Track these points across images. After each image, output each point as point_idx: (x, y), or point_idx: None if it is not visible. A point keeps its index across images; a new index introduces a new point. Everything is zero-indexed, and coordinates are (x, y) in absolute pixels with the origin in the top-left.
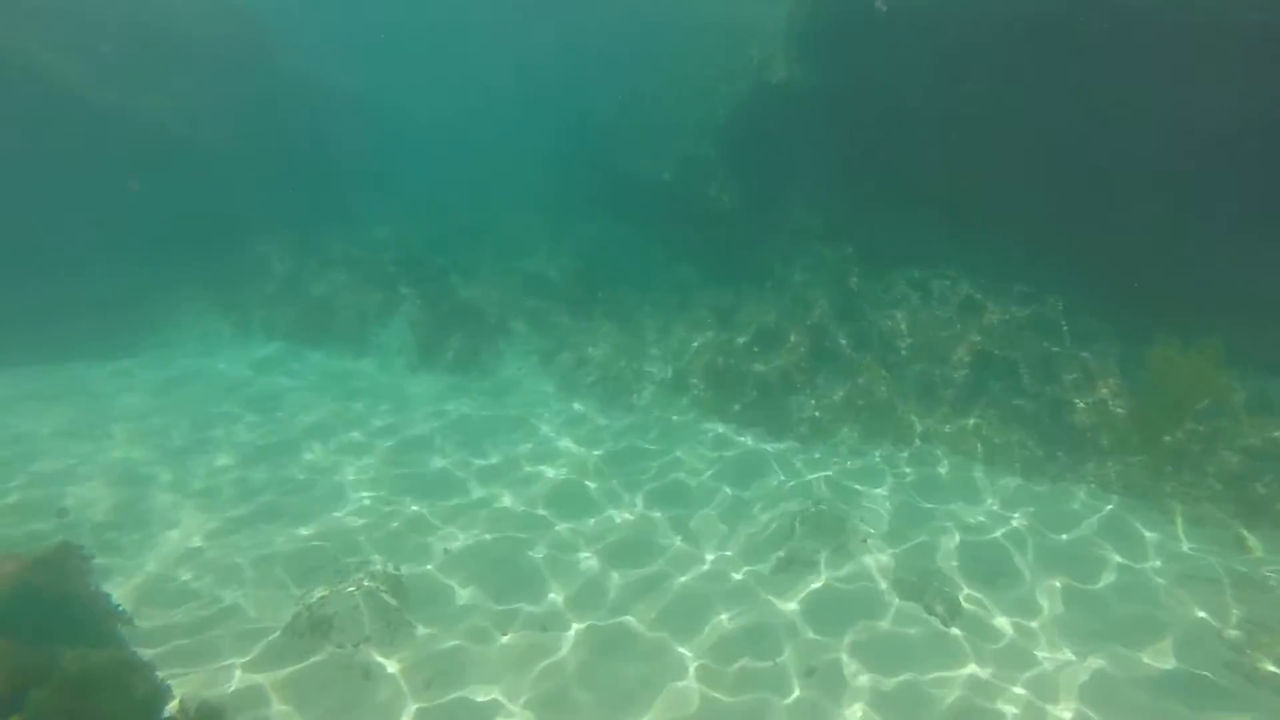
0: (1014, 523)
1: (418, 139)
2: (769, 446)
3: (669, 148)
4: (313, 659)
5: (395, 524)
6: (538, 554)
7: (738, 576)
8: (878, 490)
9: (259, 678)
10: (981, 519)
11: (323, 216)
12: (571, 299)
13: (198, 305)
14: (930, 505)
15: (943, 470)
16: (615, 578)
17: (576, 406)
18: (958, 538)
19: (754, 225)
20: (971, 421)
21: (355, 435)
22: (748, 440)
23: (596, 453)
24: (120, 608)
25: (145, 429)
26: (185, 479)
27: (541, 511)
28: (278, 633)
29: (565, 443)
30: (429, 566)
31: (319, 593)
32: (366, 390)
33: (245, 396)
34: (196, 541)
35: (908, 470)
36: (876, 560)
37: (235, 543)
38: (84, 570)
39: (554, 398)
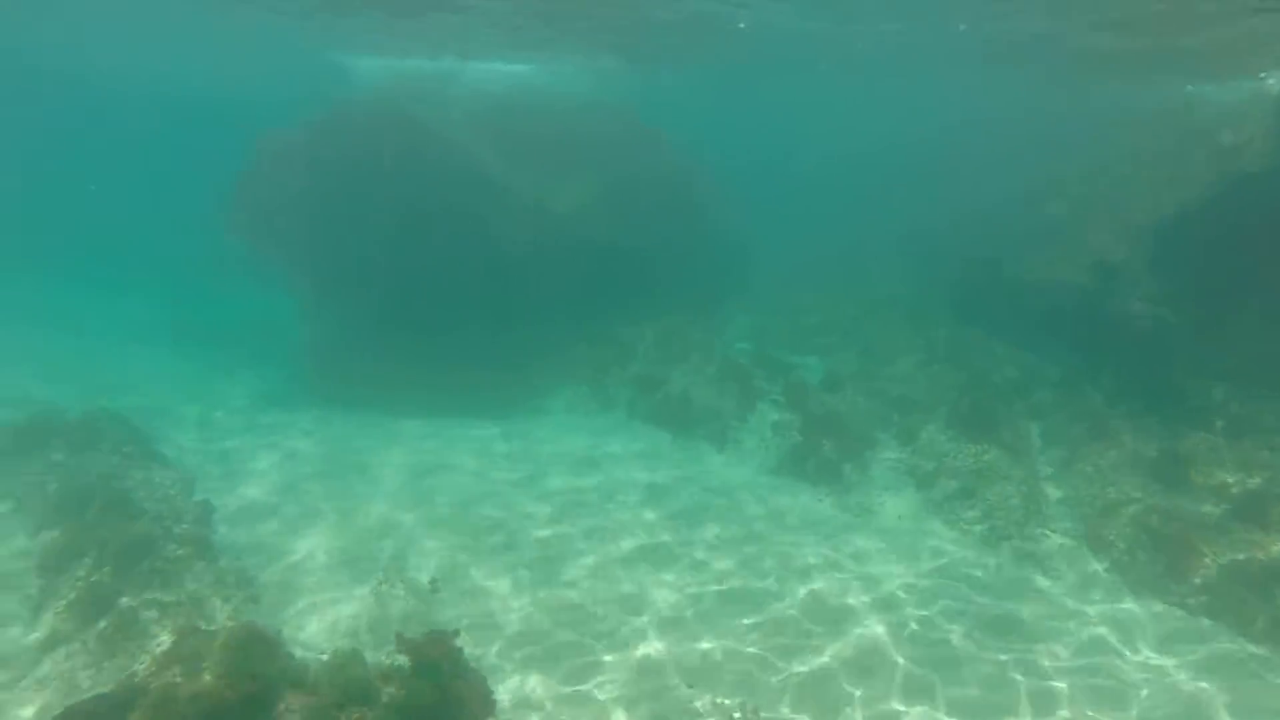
0: None
1: (777, 230)
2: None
3: (1073, 248)
4: None
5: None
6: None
7: None
8: None
9: None
10: None
11: (687, 302)
12: (948, 415)
13: (572, 380)
14: None
15: None
16: None
17: (949, 544)
18: None
19: (1191, 346)
20: None
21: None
22: (1209, 645)
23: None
24: None
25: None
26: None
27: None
28: None
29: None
30: None
31: None
32: (719, 488)
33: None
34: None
35: None
36: None
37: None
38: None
39: (931, 531)
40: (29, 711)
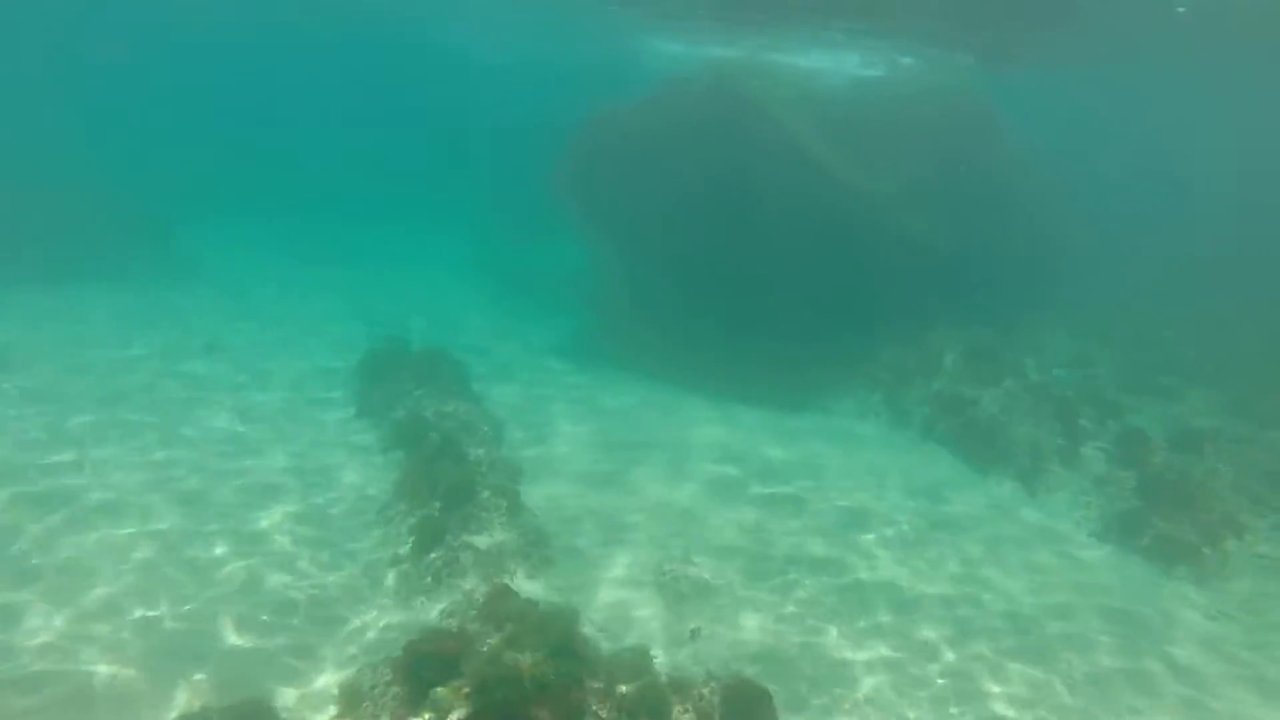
0: None
1: (1114, 242)
2: None
3: None
4: None
5: None
6: None
7: None
8: None
9: None
10: None
11: (992, 311)
12: None
13: (865, 383)
14: None
15: None
16: None
17: None
18: None
19: None
20: None
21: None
22: None
23: None
24: None
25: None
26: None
27: None
28: None
29: None
30: None
31: None
32: (1033, 537)
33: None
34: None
35: None
36: None
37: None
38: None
39: None
40: (372, 615)
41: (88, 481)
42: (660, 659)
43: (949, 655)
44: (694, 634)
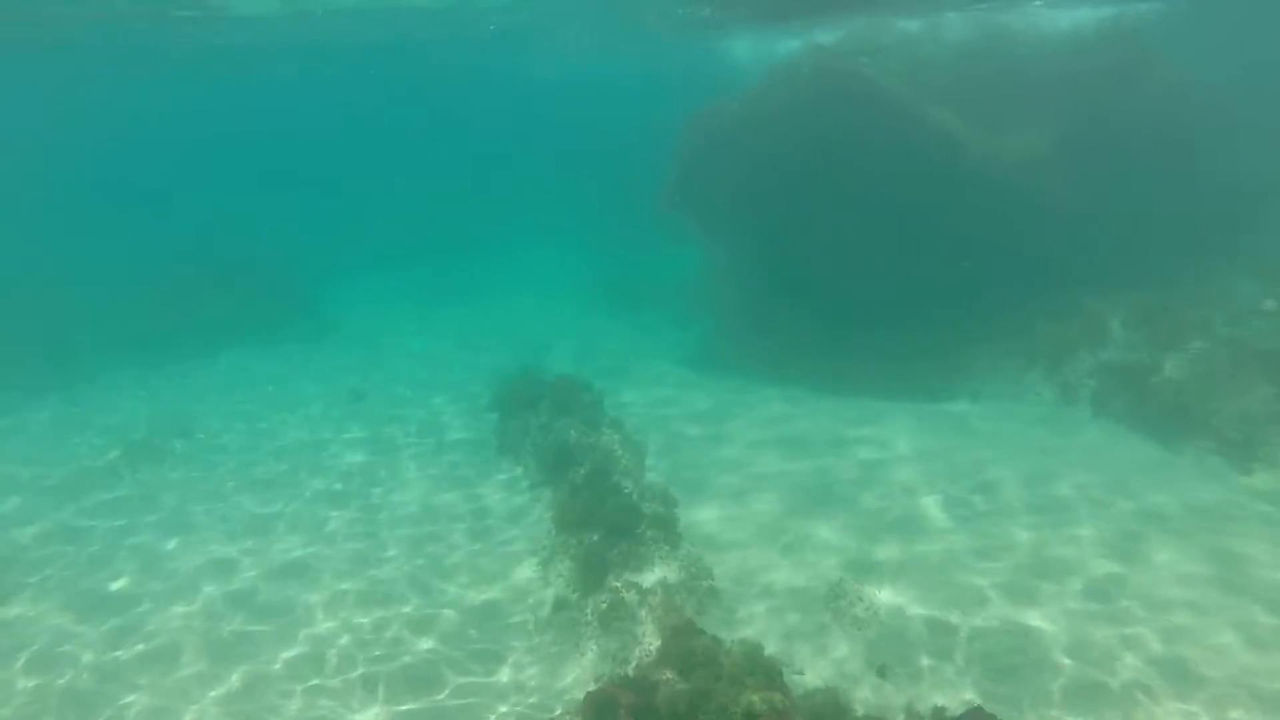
0: None
1: None
2: None
3: None
4: None
5: None
6: None
7: None
8: None
9: None
10: None
11: (1171, 268)
12: None
13: (1017, 361)
14: None
15: None
16: None
17: None
18: None
19: None
20: None
21: None
22: None
23: None
24: None
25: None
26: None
27: None
28: None
29: None
30: None
31: None
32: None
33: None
34: None
35: None
36: None
37: None
38: None
39: None
40: (532, 660)
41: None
42: (852, 695)
43: None
44: (881, 671)
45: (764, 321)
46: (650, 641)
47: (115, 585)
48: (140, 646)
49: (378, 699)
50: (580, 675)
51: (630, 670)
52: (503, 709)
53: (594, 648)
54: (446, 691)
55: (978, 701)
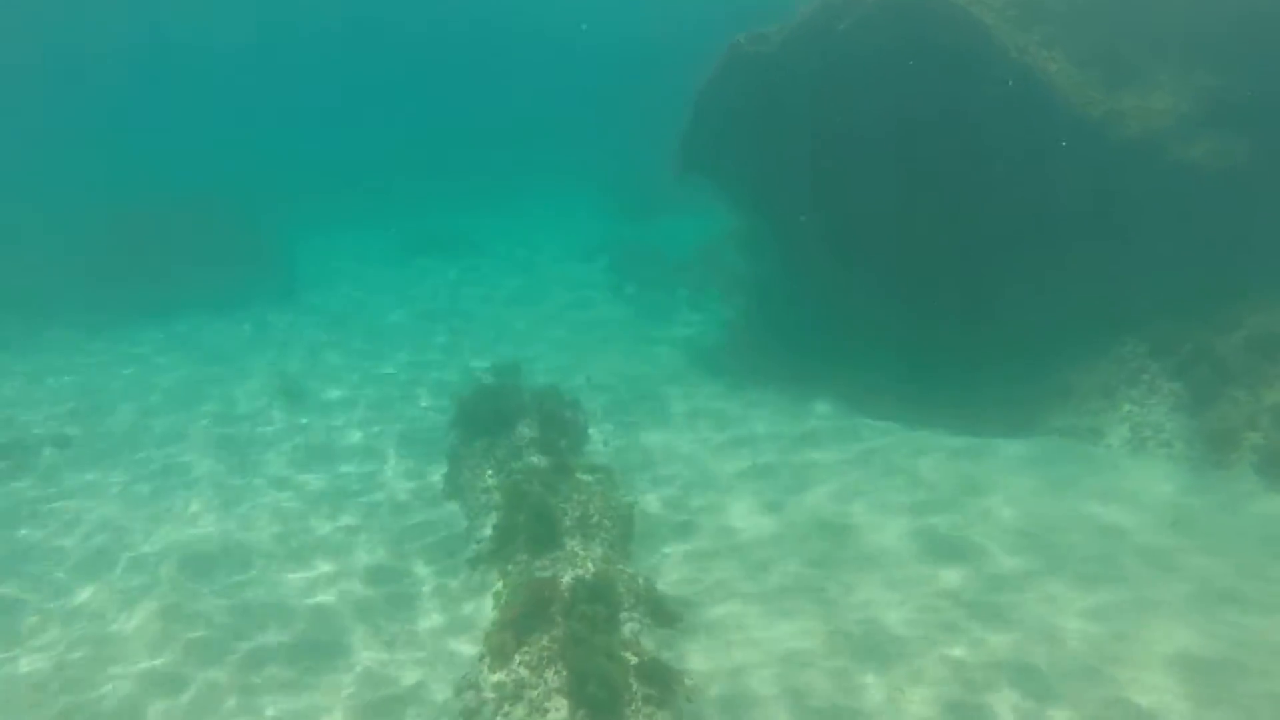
0: None
1: None
2: None
3: None
4: None
5: None
6: None
7: None
8: None
9: None
10: None
11: None
12: None
13: (1125, 388)
14: None
15: None
16: None
17: None
18: None
19: None
20: None
21: None
22: None
23: None
24: None
25: None
26: None
27: None
28: None
29: None
30: None
31: None
32: None
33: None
34: None
35: None
36: None
37: None
38: None
39: None
40: None
41: None
42: None
43: None
44: None
45: (803, 317)
46: None
47: None
48: None
49: None
50: None
51: None
52: None
53: None
54: None
55: None
